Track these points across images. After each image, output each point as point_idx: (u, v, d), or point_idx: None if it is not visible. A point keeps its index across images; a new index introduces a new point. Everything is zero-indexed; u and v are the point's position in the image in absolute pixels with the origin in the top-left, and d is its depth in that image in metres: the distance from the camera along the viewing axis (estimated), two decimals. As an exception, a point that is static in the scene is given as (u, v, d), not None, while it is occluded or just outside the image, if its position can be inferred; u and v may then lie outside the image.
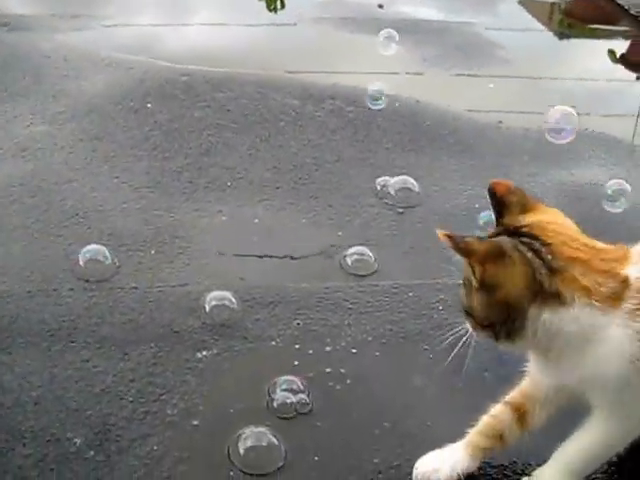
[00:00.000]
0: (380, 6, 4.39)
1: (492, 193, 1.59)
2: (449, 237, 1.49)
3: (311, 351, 2.06)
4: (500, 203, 1.59)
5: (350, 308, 2.20)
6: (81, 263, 2.28)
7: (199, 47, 3.77)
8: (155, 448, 1.80)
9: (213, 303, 2.13)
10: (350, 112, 3.04)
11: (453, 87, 3.44)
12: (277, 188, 2.64)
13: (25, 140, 2.84)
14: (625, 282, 1.49)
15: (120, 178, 2.65)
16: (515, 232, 1.52)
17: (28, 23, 3.83)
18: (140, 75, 3.24)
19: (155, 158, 2.76)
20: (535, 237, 1.49)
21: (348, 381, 1.99)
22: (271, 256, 2.39)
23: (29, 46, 3.56)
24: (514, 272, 1.47)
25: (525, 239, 1.49)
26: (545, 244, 1.48)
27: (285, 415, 1.88)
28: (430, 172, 2.82)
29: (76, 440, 1.81)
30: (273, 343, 2.08)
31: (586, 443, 1.64)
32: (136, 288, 2.22)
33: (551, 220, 1.55)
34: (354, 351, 2.08)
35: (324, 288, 2.25)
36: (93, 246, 2.32)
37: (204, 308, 2.12)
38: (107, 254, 2.30)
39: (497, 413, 1.71)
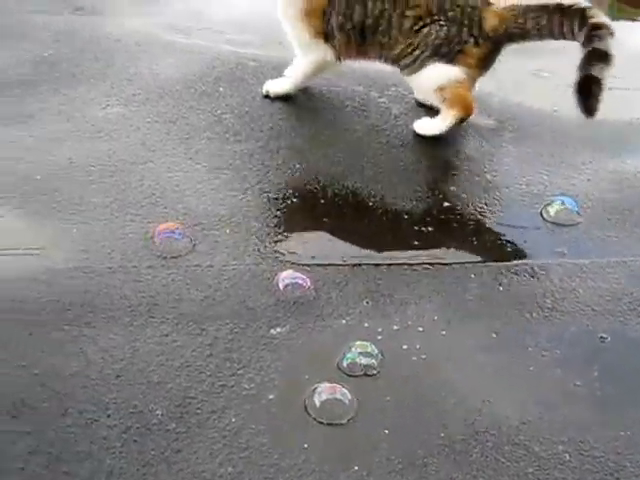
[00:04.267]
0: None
1: None
2: None
3: (380, 329, 2.13)
4: None
5: (417, 288, 2.26)
6: (158, 241, 2.37)
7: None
8: (233, 420, 1.88)
9: (286, 281, 2.21)
10: (413, 98, 3.09)
11: (509, 77, 3.44)
12: (344, 171, 2.70)
13: (101, 122, 2.92)
14: None
15: (194, 159, 2.72)
16: None
17: (100, 8, 3.90)
18: (211, 60, 3.31)
19: (227, 140, 2.82)
20: None
21: (414, 358, 2.07)
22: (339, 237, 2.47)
23: (102, 30, 3.62)
24: None
25: None
26: None
27: (354, 373, 2.01)
28: (490, 158, 2.86)
29: (157, 412, 1.91)
30: (344, 321, 2.15)
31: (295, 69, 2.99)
32: (212, 266, 2.30)
33: None
34: (420, 329, 2.15)
35: (390, 267, 2.31)
36: (170, 224, 2.40)
37: (277, 286, 2.20)
38: (183, 232, 2.39)
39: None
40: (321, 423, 1.90)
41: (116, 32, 3.61)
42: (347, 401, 1.93)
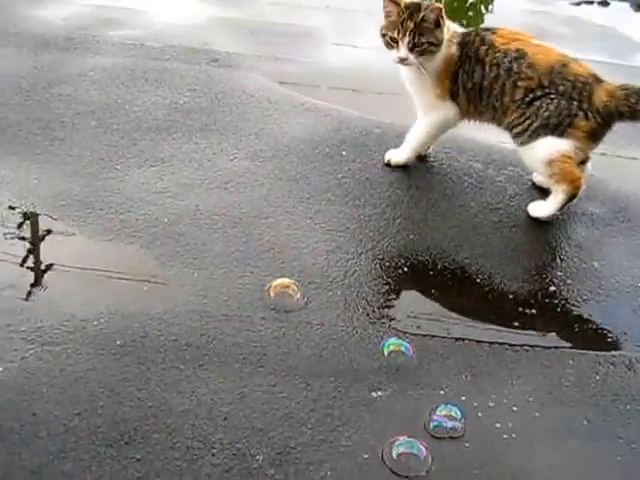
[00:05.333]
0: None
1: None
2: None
3: (475, 403, 2.20)
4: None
5: (515, 368, 2.33)
6: (272, 295, 2.50)
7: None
8: (329, 474, 1.98)
9: (391, 348, 2.31)
10: (529, 180, 3.17)
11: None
12: (456, 246, 2.79)
13: (229, 173, 3.09)
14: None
15: (313, 219, 2.86)
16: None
17: (236, 60, 4.10)
18: (337, 123, 3.47)
19: (346, 204, 2.96)
20: None
21: (504, 435, 2.13)
22: (445, 309, 2.56)
23: (236, 83, 3.83)
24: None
25: None
26: None
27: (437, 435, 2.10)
28: (600, 247, 2.93)
29: (259, 457, 2.02)
30: (442, 392, 2.23)
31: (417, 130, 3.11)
32: (322, 324, 2.42)
33: None
34: (514, 409, 2.21)
35: (492, 345, 2.39)
36: (285, 280, 2.54)
37: (383, 352, 2.30)
38: (296, 289, 2.51)
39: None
40: (395, 474, 2.00)
41: (251, 86, 3.81)
42: (422, 457, 2.03)
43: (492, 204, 3.02)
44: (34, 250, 2.69)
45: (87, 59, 3.91)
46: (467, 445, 2.08)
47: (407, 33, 2.89)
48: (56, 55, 3.95)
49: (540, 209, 2.97)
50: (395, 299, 2.56)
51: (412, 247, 2.77)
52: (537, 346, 2.43)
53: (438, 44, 2.92)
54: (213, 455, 2.01)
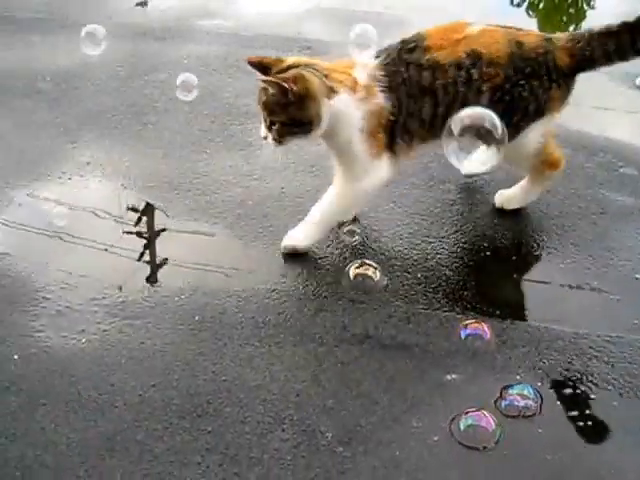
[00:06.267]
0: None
1: (252, 64, 2.42)
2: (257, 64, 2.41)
3: (552, 391, 2.15)
4: (261, 67, 2.40)
5: (599, 356, 2.27)
6: (352, 276, 2.49)
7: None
8: (397, 454, 1.97)
9: (468, 331, 2.27)
10: (620, 167, 3.08)
11: None
12: (541, 232, 2.73)
13: (315, 157, 3.10)
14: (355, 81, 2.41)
15: (397, 202, 2.85)
16: (288, 69, 2.36)
17: (328, 48, 4.08)
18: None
19: (430, 188, 2.93)
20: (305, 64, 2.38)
21: (580, 423, 2.08)
22: (526, 295, 2.51)
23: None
24: (312, 81, 2.33)
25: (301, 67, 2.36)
26: (309, 64, 2.39)
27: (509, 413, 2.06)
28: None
29: (328, 434, 2.02)
30: (517, 377, 2.19)
31: (328, 202, 2.55)
32: (400, 307, 2.41)
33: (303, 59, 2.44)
34: (593, 397, 2.15)
35: (575, 337, 2.33)
36: (364, 261, 2.52)
37: (459, 334, 2.27)
38: (377, 271, 2.49)
39: None
40: (462, 445, 1.99)
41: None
42: (490, 429, 2.00)
43: (580, 190, 2.94)
44: (121, 228, 2.76)
45: (182, 48, 3.98)
46: (540, 431, 2.03)
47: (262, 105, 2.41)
48: (152, 44, 4.04)
49: (513, 200, 2.81)
50: (475, 283, 2.52)
51: (494, 232, 2.73)
52: (621, 337, 2.35)
53: (300, 124, 2.38)
54: (283, 430, 2.03)
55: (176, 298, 2.43)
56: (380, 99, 2.42)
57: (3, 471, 1.93)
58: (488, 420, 2.00)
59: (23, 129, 3.00)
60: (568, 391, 2.14)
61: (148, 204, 2.86)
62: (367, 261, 2.52)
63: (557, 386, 2.16)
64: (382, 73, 2.44)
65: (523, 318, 2.40)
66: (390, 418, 2.06)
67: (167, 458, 1.95)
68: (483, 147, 2.33)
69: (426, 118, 2.49)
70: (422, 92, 2.46)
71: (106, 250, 2.65)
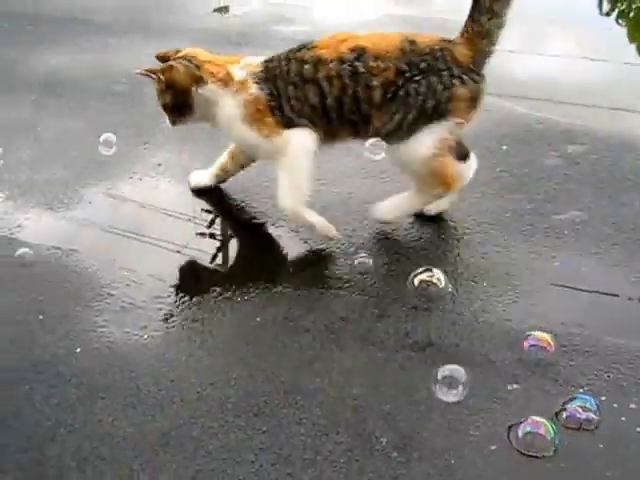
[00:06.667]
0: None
1: (158, 58, 2.72)
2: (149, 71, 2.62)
3: (616, 405, 2.09)
4: (163, 59, 2.69)
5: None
6: (417, 283, 2.47)
7: (549, 80, 3.82)
8: (453, 462, 1.94)
9: (532, 342, 2.23)
10: None
11: None
12: (613, 244, 2.66)
13: (386, 164, 3.04)
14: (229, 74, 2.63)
15: (465, 211, 2.82)
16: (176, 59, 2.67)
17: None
18: (499, 118, 3.40)
19: (501, 198, 2.89)
20: (184, 57, 2.68)
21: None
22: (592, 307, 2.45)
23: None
24: (180, 71, 2.62)
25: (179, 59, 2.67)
26: (193, 56, 2.68)
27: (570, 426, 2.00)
28: None
29: (383, 439, 2.00)
30: (580, 390, 2.13)
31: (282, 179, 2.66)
32: (464, 315, 2.37)
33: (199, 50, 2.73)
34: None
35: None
36: (430, 268, 2.50)
37: (522, 345, 2.22)
38: (442, 278, 2.47)
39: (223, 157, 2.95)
40: (519, 452, 1.94)
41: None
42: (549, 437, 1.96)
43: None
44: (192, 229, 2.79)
45: (257, 53, 3.98)
46: (601, 446, 1.96)
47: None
48: (228, 49, 4.06)
49: (389, 210, 2.76)
50: (543, 294, 2.46)
51: (566, 242, 2.67)
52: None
53: (175, 108, 2.67)
54: (337, 433, 2.01)
55: (238, 299, 2.44)
56: (254, 90, 2.60)
57: (60, 461, 1.95)
58: (547, 429, 1.95)
59: (97, 129, 3.05)
60: (633, 406, 2.07)
61: (219, 207, 2.88)
62: (433, 268, 2.49)
63: (621, 401, 2.09)
64: (260, 69, 2.64)
65: (589, 331, 2.33)
66: (447, 426, 2.03)
67: (221, 455, 1.95)
68: None
69: (316, 105, 2.57)
70: (304, 82, 2.57)
71: (178, 252, 2.69)
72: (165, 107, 2.68)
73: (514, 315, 2.37)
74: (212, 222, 2.84)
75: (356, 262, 2.58)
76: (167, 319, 2.37)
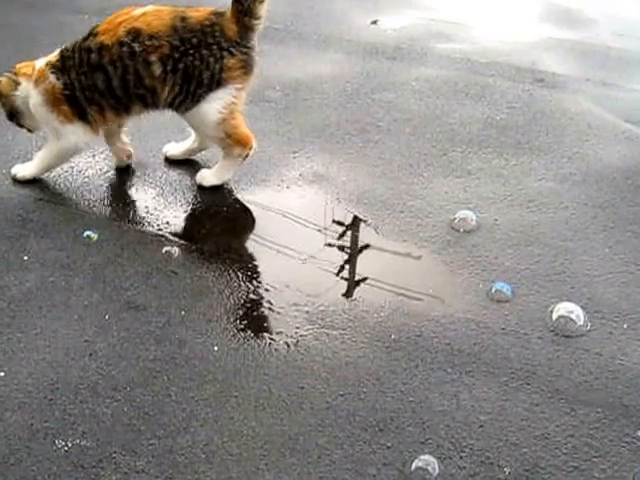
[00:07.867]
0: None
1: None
2: None
3: None
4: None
5: None
6: (555, 317, 2.45)
7: None
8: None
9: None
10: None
11: None
12: None
13: (534, 192, 3.07)
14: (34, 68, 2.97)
15: (613, 249, 2.76)
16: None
17: (561, 82, 4.04)
18: None
19: (650, 236, 2.83)
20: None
21: None
22: None
23: (557, 105, 3.78)
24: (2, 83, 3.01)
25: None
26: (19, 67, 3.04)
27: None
28: None
29: (506, 469, 2.00)
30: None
31: (49, 151, 3.08)
32: (600, 354, 2.33)
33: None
34: None
35: None
36: (570, 305, 2.48)
37: (659, 391, 2.17)
38: (581, 315, 2.44)
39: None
40: None
41: (572, 109, 3.75)
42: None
43: None
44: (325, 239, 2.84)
45: (412, 69, 4.05)
46: None
47: None
48: (383, 63, 4.14)
49: (211, 177, 3.09)
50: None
51: None
52: None
53: (12, 116, 3.08)
54: (461, 458, 2.02)
55: (375, 315, 2.47)
56: (52, 79, 2.92)
57: (190, 451, 2.03)
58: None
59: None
60: None
61: (357, 219, 2.93)
62: (573, 304, 2.47)
63: None
64: (57, 59, 2.94)
65: None
66: (571, 464, 2.01)
67: (344, 465, 1.99)
68: None
69: (103, 89, 2.88)
70: (92, 70, 2.87)
71: (313, 258, 2.73)
72: (9, 117, 3.09)
73: (652, 360, 2.33)
74: (343, 234, 2.88)
75: (493, 290, 2.57)
76: (301, 327, 2.42)
